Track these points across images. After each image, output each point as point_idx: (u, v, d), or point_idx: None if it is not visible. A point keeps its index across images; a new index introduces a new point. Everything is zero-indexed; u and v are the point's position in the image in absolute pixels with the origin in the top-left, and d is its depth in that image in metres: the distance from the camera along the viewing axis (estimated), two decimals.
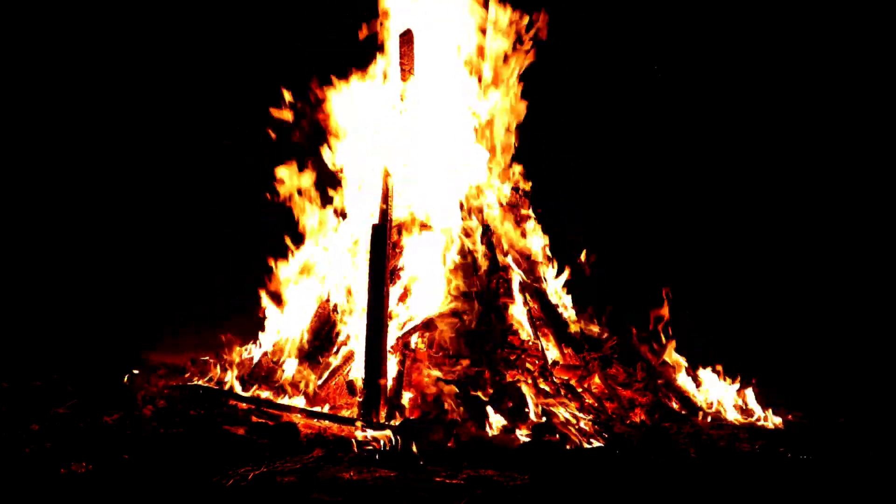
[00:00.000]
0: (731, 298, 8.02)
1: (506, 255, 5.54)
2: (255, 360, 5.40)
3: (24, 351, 6.18)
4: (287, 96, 5.64)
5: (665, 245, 8.59)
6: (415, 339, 5.14)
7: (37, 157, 8.80)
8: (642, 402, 5.09)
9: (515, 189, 5.79)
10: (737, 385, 5.45)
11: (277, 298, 5.67)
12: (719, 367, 5.56)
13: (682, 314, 5.71)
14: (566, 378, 5.15)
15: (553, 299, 5.64)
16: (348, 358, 5.17)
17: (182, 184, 8.89)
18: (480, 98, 5.72)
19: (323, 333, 5.34)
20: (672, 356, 5.51)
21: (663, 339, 5.57)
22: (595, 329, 5.61)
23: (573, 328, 5.53)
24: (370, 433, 4.34)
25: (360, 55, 5.69)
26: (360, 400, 4.69)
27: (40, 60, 8.83)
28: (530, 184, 5.87)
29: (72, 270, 8.20)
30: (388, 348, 4.83)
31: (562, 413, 4.64)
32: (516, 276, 5.47)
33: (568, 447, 4.34)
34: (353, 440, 4.24)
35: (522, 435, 4.43)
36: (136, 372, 5.54)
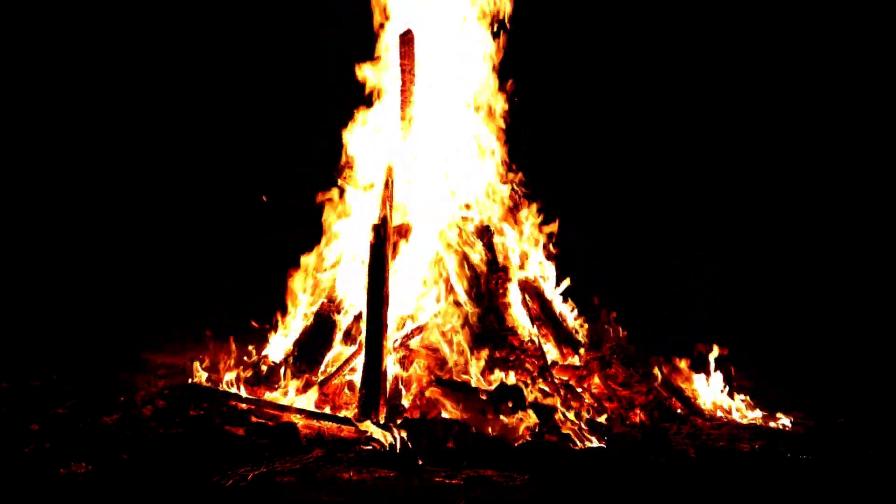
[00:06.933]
0: (733, 298, 8.02)
1: (505, 255, 5.54)
2: (256, 361, 5.39)
3: (24, 351, 6.18)
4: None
5: (665, 244, 8.59)
6: (414, 340, 5.13)
7: (37, 157, 8.81)
8: (642, 402, 5.09)
9: (515, 189, 5.79)
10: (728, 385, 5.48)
11: (279, 298, 5.67)
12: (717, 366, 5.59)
13: (684, 314, 5.73)
14: (565, 378, 5.16)
15: (552, 299, 5.64)
16: (349, 358, 5.16)
17: (185, 183, 8.89)
18: (480, 98, 5.72)
19: (323, 333, 5.33)
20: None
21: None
22: (595, 329, 5.61)
23: (572, 328, 5.54)
24: (369, 433, 4.34)
25: (361, 56, 5.70)
26: (360, 400, 4.68)
27: (46, 60, 8.84)
28: (529, 184, 5.87)
29: (72, 271, 8.20)
30: (388, 349, 4.82)
31: (561, 413, 4.64)
32: (515, 276, 5.47)
33: (567, 447, 4.34)
34: (353, 440, 4.24)
35: (522, 435, 4.42)
36: (136, 372, 5.55)
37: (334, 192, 5.64)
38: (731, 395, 5.48)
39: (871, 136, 8.79)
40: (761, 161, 9.02)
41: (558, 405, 4.71)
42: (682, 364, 5.53)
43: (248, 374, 5.22)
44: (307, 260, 5.65)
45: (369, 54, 5.73)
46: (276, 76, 8.90)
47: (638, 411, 5.02)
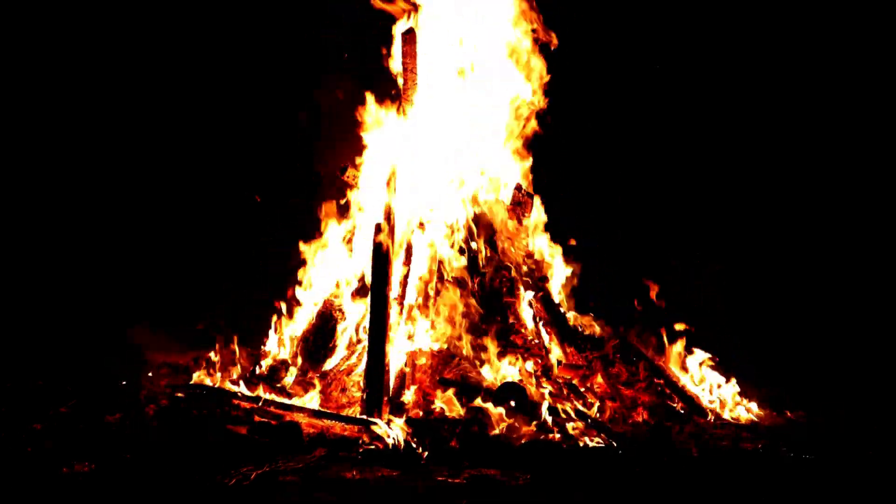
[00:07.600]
0: (735, 297, 8.03)
1: (509, 254, 5.54)
2: (258, 359, 5.40)
3: (26, 351, 6.17)
4: None
5: (665, 244, 8.60)
6: (418, 339, 5.13)
7: (39, 159, 8.80)
8: (645, 401, 5.09)
9: (518, 188, 5.80)
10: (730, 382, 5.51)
11: (281, 298, 5.68)
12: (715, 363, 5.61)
13: (685, 313, 5.73)
14: (569, 377, 5.16)
15: (556, 298, 5.65)
16: (351, 357, 5.16)
17: (185, 183, 8.89)
18: (485, 96, 5.73)
19: (326, 332, 5.34)
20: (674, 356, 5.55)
21: (666, 339, 5.60)
22: (598, 328, 5.62)
23: (576, 327, 5.54)
24: (372, 432, 4.34)
25: (363, 55, 5.71)
26: (363, 399, 4.68)
27: (44, 59, 8.83)
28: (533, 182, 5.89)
29: (74, 271, 8.19)
30: (391, 347, 4.82)
31: (564, 412, 4.64)
32: (519, 275, 5.48)
33: (570, 446, 4.34)
34: (356, 439, 4.24)
35: (525, 434, 4.43)
36: (138, 371, 5.55)
37: (338, 190, 5.66)
38: (732, 394, 5.49)
39: (870, 136, 8.80)
40: (761, 161, 9.02)
41: (561, 404, 4.71)
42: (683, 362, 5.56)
43: (251, 372, 5.22)
44: (310, 257, 5.67)
45: (370, 54, 5.74)
46: (276, 76, 8.90)
47: (640, 410, 5.03)
